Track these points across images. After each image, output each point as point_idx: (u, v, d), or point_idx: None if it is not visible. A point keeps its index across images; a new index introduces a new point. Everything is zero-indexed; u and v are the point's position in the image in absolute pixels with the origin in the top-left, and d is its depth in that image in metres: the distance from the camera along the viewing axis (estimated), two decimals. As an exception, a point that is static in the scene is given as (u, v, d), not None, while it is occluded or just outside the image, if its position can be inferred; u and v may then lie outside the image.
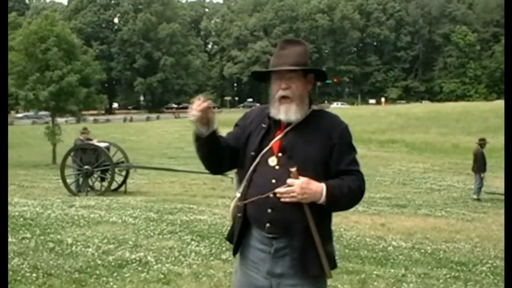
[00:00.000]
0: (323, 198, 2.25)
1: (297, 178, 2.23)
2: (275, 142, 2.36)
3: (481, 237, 8.33)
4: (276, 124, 2.40)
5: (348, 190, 2.31)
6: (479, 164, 14.69)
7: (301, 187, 2.21)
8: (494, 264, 6.39)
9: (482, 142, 15.25)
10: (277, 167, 2.33)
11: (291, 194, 2.22)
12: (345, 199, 2.32)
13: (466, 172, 19.03)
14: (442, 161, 25.53)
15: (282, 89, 2.34)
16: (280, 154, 2.34)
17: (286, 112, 2.34)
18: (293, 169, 2.23)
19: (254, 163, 2.37)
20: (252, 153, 2.38)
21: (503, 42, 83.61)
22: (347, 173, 2.35)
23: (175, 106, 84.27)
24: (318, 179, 2.27)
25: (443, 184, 17.34)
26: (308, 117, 2.38)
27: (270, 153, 2.36)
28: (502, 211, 11.92)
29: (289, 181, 2.23)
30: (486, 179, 15.05)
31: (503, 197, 14.33)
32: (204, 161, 2.44)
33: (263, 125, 2.41)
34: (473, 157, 15.30)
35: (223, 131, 2.49)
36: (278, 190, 2.25)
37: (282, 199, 2.24)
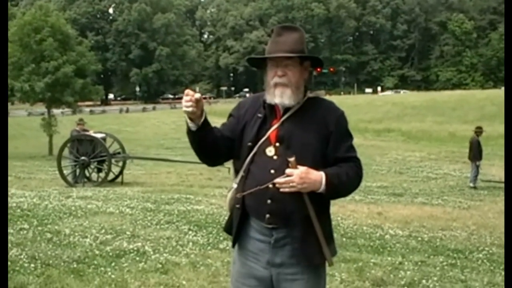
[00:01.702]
0: (323, 187, 2.24)
1: (295, 167, 2.21)
2: (272, 131, 2.34)
3: (478, 225, 8.38)
4: (272, 113, 2.38)
5: (346, 177, 2.30)
6: (475, 152, 14.74)
7: (300, 176, 2.20)
8: (490, 251, 6.44)
9: (478, 130, 15.29)
10: (275, 157, 2.31)
11: (291, 184, 2.20)
12: (344, 187, 2.32)
13: (462, 161, 19.12)
14: (438, 149, 25.61)
15: (278, 76, 2.32)
16: (277, 144, 2.32)
17: (281, 96, 2.31)
18: (291, 159, 2.21)
19: (252, 154, 2.35)
20: (249, 143, 2.36)
21: (500, 29, 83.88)
22: (344, 160, 2.34)
23: (171, 96, 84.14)
24: (317, 168, 2.26)
25: (439, 173, 17.41)
26: (303, 105, 2.36)
27: (268, 143, 2.33)
28: (498, 199, 12.01)
29: (288, 171, 2.21)
30: (482, 167, 15.12)
31: (499, 184, 14.45)
32: (199, 154, 2.42)
33: (259, 115, 2.39)
34: (469, 145, 15.35)
35: (219, 121, 2.48)
36: (277, 180, 2.23)
37: (281, 190, 2.22)
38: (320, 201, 2.30)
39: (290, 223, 2.30)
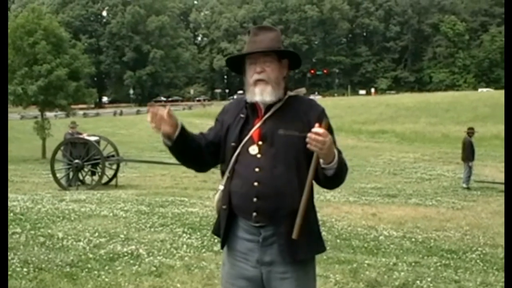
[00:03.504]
0: (336, 159, 2.20)
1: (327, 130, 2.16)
2: (254, 130, 2.35)
3: (471, 225, 8.42)
4: (254, 113, 2.39)
5: (345, 162, 2.31)
6: (468, 153, 14.80)
7: (330, 142, 2.15)
8: (484, 252, 6.47)
9: (470, 131, 15.36)
10: (258, 155, 2.32)
11: (320, 145, 2.12)
12: (345, 169, 2.30)
13: (455, 161, 19.19)
14: (432, 150, 25.71)
15: (257, 72, 2.34)
16: (260, 142, 2.33)
17: (261, 93, 2.32)
18: (326, 121, 2.18)
19: (235, 154, 2.36)
20: (233, 143, 2.37)
21: (491, 31, 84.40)
22: None
23: (163, 99, 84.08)
24: (300, 165, 2.26)
25: (433, 174, 17.45)
26: (285, 103, 2.37)
27: (251, 142, 2.34)
28: (491, 199, 12.07)
29: (321, 130, 2.13)
30: (475, 167, 15.18)
31: (492, 185, 14.52)
32: (184, 164, 2.43)
33: (241, 115, 2.40)
34: (461, 146, 15.41)
35: (213, 124, 2.49)
36: (311, 135, 2.12)
37: (309, 146, 2.14)
38: (311, 193, 2.29)
39: (276, 220, 2.30)
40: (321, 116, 2.36)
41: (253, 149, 2.33)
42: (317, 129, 2.13)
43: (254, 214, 2.31)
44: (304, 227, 2.23)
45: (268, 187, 2.28)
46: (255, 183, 2.29)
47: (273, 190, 2.27)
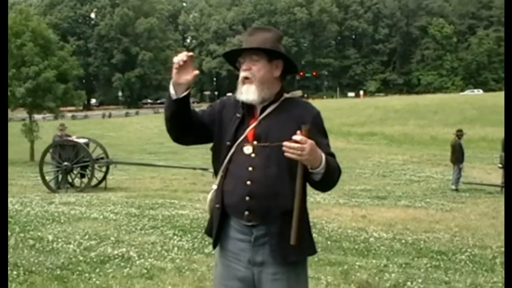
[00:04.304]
0: (323, 164, 2.21)
1: (307, 137, 2.15)
2: (249, 130, 2.36)
3: (460, 227, 8.48)
4: (249, 113, 2.40)
5: (336, 166, 2.32)
6: (457, 155, 14.91)
7: (311, 147, 2.15)
8: (473, 253, 6.52)
9: (459, 134, 15.48)
10: (253, 155, 2.32)
11: (300, 152, 2.14)
12: (335, 173, 2.31)
13: (444, 163, 19.33)
14: (420, 152, 25.87)
15: (243, 70, 2.36)
16: (255, 142, 2.34)
17: (246, 92, 2.33)
18: (306, 127, 2.17)
19: (230, 153, 2.37)
20: (228, 143, 2.37)
21: (479, 34, 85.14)
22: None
23: (149, 101, 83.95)
24: (294, 165, 2.26)
25: (422, 176, 17.56)
26: (280, 104, 2.38)
27: (245, 141, 2.35)
28: (480, 201, 12.18)
29: (300, 138, 2.14)
30: (464, 169, 15.28)
31: (480, 187, 14.65)
32: (173, 125, 2.38)
33: (237, 115, 2.40)
34: (451, 148, 15.52)
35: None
36: (286, 143, 2.15)
37: (286, 154, 2.16)
38: (304, 193, 2.30)
39: (269, 220, 2.30)
40: (316, 118, 2.39)
41: (247, 149, 2.34)
42: (295, 136, 2.15)
43: (246, 213, 2.31)
44: (299, 231, 2.24)
45: (260, 186, 2.29)
46: (248, 182, 2.30)
47: (265, 190, 2.28)
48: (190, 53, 2.29)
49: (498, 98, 44.08)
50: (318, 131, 2.36)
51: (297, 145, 2.13)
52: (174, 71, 2.28)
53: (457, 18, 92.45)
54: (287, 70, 2.44)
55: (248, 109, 2.40)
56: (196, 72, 2.31)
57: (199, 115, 2.43)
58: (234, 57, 2.47)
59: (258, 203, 2.29)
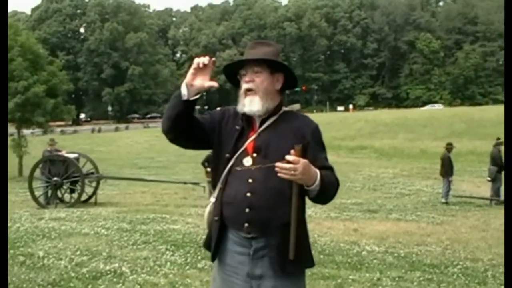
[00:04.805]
0: (318, 182, 2.24)
1: (300, 156, 2.17)
2: (249, 143, 2.37)
3: (451, 240, 8.50)
4: (249, 126, 2.41)
5: (332, 180, 2.34)
6: (447, 169, 14.98)
7: (304, 166, 2.18)
8: (465, 265, 6.54)
9: (449, 147, 15.57)
10: (252, 167, 2.33)
11: (292, 172, 2.16)
12: (332, 188, 2.33)
13: (434, 177, 19.40)
14: (410, 166, 25.96)
15: (245, 82, 2.37)
16: (254, 154, 2.34)
17: (250, 103, 2.34)
18: (299, 147, 2.18)
19: (229, 165, 2.37)
20: (227, 155, 2.38)
21: (465, 48, 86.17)
22: (323, 169, 2.35)
23: (137, 116, 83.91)
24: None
25: (412, 189, 17.62)
26: (279, 117, 2.40)
27: (245, 153, 2.36)
28: (470, 214, 12.23)
29: (292, 158, 2.16)
30: (453, 182, 15.37)
31: (470, 200, 14.72)
32: (172, 121, 2.32)
33: (237, 127, 2.41)
34: (440, 161, 15.59)
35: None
36: (279, 164, 2.17)
37: (279, 174, 2.18)
38: (302, 206, 2.31)
39: (269, 232, 2.30)
40: (315, 131, 2.41)
41: (247, 161, 2.35)
42: (288, 156, 2.16)
43: (246, 225, 2.31)
44: (297, 244, 2.26)
45: (261, 198, 2.29)
46: (248, 194, 2.30)
47: (265, 201, 2.28)
48: (213, 58, 2.30)
49: (484, 112, 44.60)
50: (316, 144, 2.39)
51: (290, 165, 2.15)
52: (191, 71, 2.28)
53: (444, 33, 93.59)
54: (287, 84, 2.47)
55: (248, 121, 2.41)
56: (212, 84, 2.29)
57: (200, 121, 2.43)
58: (232, 72, 2.49)
59: (258, 215, 2.29)
